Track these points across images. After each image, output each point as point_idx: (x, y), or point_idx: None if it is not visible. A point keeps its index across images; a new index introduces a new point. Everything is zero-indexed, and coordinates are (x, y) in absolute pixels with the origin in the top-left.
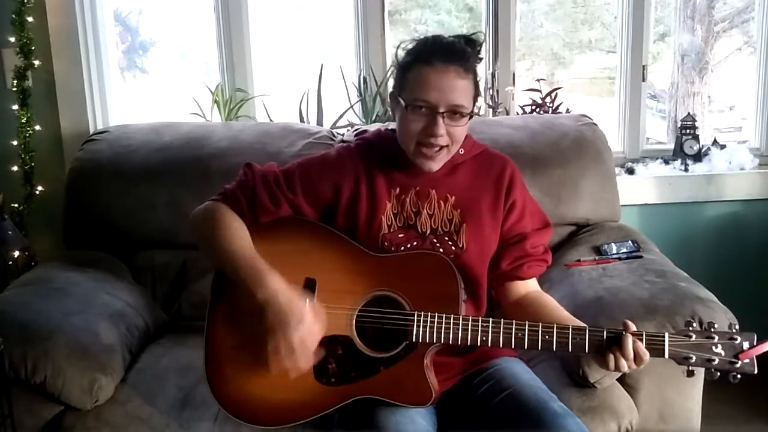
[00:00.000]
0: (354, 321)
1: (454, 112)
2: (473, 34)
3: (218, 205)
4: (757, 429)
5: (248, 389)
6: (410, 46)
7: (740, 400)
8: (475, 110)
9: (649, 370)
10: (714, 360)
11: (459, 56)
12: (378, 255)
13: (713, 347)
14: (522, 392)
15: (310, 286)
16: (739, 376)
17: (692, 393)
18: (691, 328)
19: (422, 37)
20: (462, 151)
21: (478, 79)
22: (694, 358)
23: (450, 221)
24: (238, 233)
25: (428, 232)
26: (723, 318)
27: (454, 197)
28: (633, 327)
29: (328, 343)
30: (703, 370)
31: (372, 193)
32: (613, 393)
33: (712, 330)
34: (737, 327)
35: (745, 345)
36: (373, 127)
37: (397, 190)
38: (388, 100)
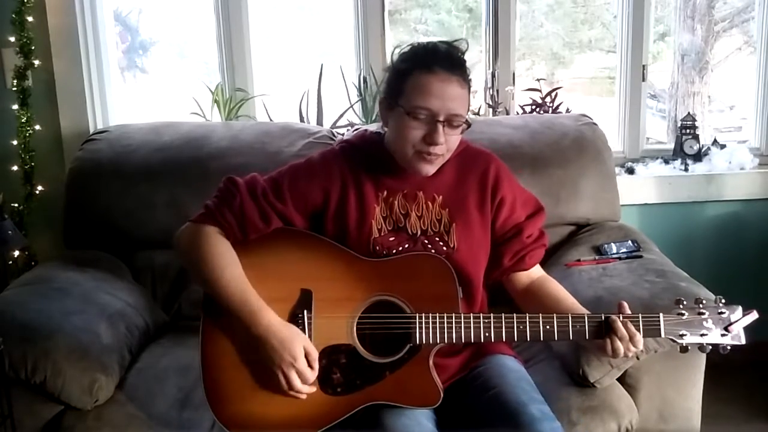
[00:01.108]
0: (355, 328)
1: (452, 121)
2: (456, 41)
3: (204, 228)
4: (757, 429)
5: (251, 407)
6: (406, 52)
7: (740, 400)
8: (470, 120)
9: (649, 370)
10: (706, 334)
11: (459, 66)
12: (372, 260)
13: (704, 322)
14: (504, 393)
15: (306, 297)
16: (728, 347)
17: (692, 393)
18: (681, 306)
19: (416, 43)
20: None
21: (471, 89)
22: (688, 334)
23: (439, 221)
24: (227, 260)
25: (419, 233)
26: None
27: (441, 197)
28: (628, 308)
29: (330, 353)
30: (696, 345)
31: (360, 198)
32: (613, 393)
33: (701, 306)
34: (723, 301)
35: (733, 317)
36: (373, 127)
37: (385, 193)
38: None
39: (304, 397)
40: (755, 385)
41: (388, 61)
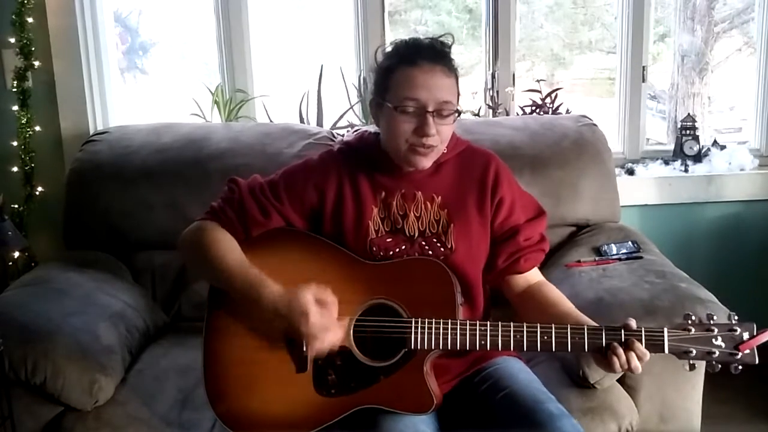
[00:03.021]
0: (351, 331)
1: (442, 110)
2: (442, 35)
3: (206, 223)
4: (757, 429)
5: (248, 404)
6: (389, 50)
7: (740, 401)
8: (460, 109)
9: (649, 371)
10: (714, 353)
11: (442, 56)
12: (372, 263)
13: (713, 340)
14: (519, 393)
15: None
16: (740, 367)
17: (692, 393)
18: (690, 322)
19: (398, 40)
20: (445, 150)
21: (458, 78)
22: (695, 351)
23: (437, 222)
24: (229, 247)
25: (416, 235)
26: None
27: (440, 197)
28: (634, 324)
29: (326, 354)
30: (704, 363)
31: (357, 198)
32: (613, 394)
33: (711, 322)
34: (737, 318)
35: (745, 336)
36: (373, 128)
37: (383, 194)
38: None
39: (334, 342)
40: (755, 386)
41: (373, 62)
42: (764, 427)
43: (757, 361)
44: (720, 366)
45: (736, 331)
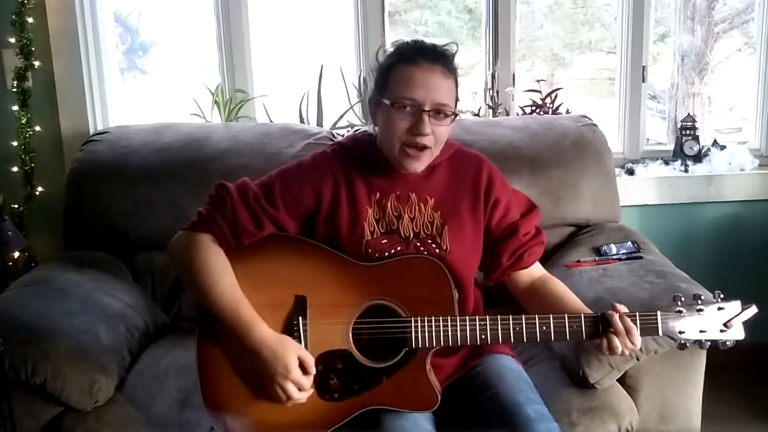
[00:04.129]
0: (350, 333)
1: (439, 111)
2: (446, 44)
3: (197, 236)
4: (757, 429)
5: (250, 414)
6: (390, 49)
7: (740, 401)
8: (457, 112)
9: (649, 371)
10: (705, 331)
11: (442, 57)
12: (367, 264)
13: (702, 319)
14: (502, 393)
15: (300, 303)
16: (728, 343)
17: (692, 393)
18: (679, 303)
19: (400, 40)
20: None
21: (458, 82)
22: (687, 332)
23: (432, 224)
24: (219, 270)
25: (411, 236)
26: None
27: (433, 199)
28: (623, 308)
29: (326, 358)
30: (696, 343)
31: (352, 199)
32: (613, 393)
33: (700, 302)
34: (722, 296)
35: (732, 312)
36: (369, 128)
37: (378, 195)
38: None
39: (303, 399)
40: (755, 385)
41: (373, 62)
42: (764, 427)
43: (743, 337)
44: (709, 343)
45: (723, 309)
